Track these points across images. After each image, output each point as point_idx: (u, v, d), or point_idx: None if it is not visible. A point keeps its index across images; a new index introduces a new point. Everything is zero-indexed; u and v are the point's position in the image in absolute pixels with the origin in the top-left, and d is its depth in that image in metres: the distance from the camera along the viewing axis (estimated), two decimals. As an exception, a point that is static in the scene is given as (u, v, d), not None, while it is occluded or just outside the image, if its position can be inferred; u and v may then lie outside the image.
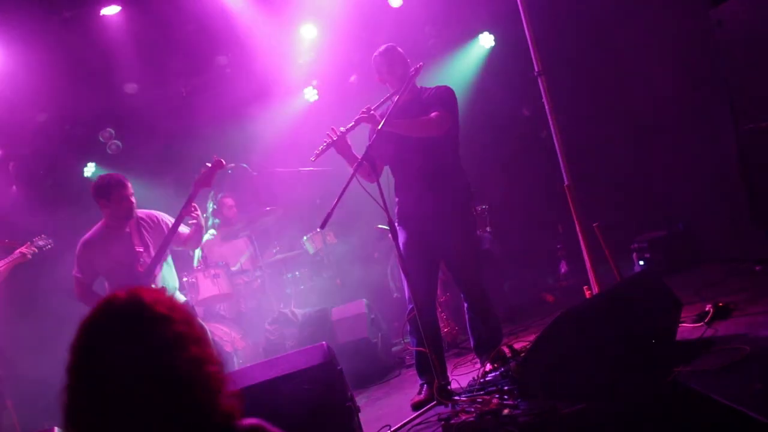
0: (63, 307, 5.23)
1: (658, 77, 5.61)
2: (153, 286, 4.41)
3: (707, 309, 4.00)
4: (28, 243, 5.32)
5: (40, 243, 5.36)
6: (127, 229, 4.51)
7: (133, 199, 4.51)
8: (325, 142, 4.14)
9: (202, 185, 4.59)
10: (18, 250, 5.27)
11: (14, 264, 5.23)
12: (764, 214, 3.82)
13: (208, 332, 4.12)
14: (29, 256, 5.27)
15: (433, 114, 4.14)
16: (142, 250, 4.47)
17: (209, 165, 4.63)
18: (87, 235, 4.58)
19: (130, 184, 4.52)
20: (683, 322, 3.90)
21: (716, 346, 3.49)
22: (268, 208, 6.53)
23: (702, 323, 3.91)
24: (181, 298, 4.71)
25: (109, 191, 4.43)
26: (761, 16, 3.45)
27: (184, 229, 4.68)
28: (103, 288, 4.63)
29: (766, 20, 3.38)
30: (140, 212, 4.62)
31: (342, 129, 4.13)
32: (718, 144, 4.99)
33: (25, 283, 6.13)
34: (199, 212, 4.66)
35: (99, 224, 4.59)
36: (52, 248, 5.43)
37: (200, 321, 1.53)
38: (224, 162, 4.69)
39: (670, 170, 5.89)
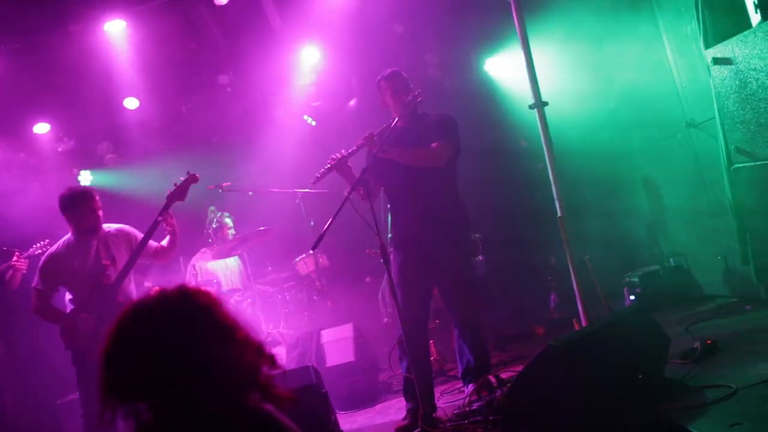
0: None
1: (653, 115, 5.66)
2: (120, 299, 4.39)
3: (695, 346, 4.00)
4: (18, 254, 5.29)
5: (36, 253, 5.34)
6: (94, 242, 4.48)
7: (100, 213, 4.50)
8: (327, 165, 4.16)
9: (176, 198, 4.62)
10: (8, 264, 5.26)
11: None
12: (754, 254, 3.83)
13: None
14: (23, 269, 5.25)
15: (433, 144, 4.17)
16: (108, 263, 4.44)
17: (183, 178, 4.66)
18: (52, 249, 4.57)
19: (97, 197, 4.50)
20: (671, 359, 3.89)
21: (703, 384, 3.48)
22: (261, 228, 6.53)
23: (689, 360, 3.90)
24: None
25: (74, 204, 4.42)
26: (754, 58, 3.49)
27: (153, 242, 4.67)
28: (63, 303, 4.56)
29: (759, 62, 3.43)
30: (109, 226, 4.61)
31: (343, 152, 4.17)
32: (713, 181, 5.03)
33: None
34: (174, 221, 4.63)
35: (65, 237, 4.57)
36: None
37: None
38: (198, 176, 4.72)
39: (663, 206, 5.92)
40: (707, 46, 3.89)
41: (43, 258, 4.56)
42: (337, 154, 4.19)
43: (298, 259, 6.98)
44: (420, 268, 4.25)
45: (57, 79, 6.67)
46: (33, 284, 4.52)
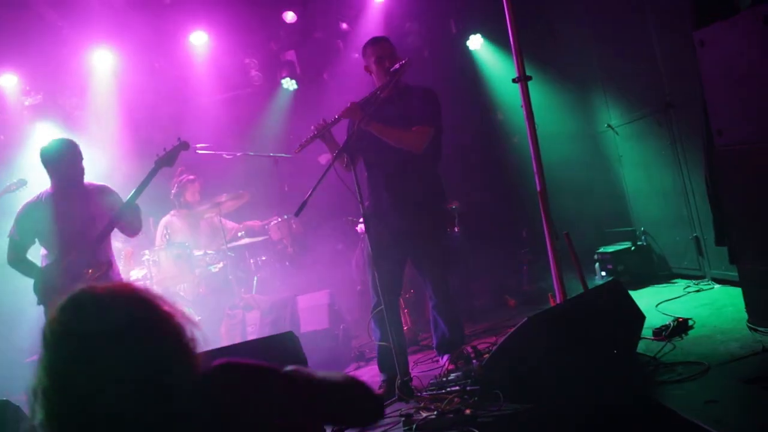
0: None
1: (637, 93, 5.68)
2: (100, 258, 4.36)
3: (668, 323, 4.08)
4: None
5: (12, 189, 5.27)
6: (75, 198, 4.40)
7: (83, 166, 4.43)
8: (311, 134, 4.11)
9: (164, 164, 4.54)
10: None
11: None
12: (730, 236, 3.90)
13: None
14: None
15: (414, 128, 4.15)
16: (88, 220, 4.38)
17: (173, 145, 4.57)
18: (33, 198, 4.48)
19: (80, 150, 4.42)
20: (643, 336, 3.97)
21: (676, 360, 3.56)
22: (235, 192, 6.44)
23: (662, 337, 3.99)
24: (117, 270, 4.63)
25: (57, 156, 4.34)
26: (742, 42, 3.52)
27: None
28: (38, 257, 4.49)
29: (746, 46, 3.45)
30: (91, 183, 4.55)
31: (326, 121, 4.11)
32: (689, 162, 5.09)
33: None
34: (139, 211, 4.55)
35: (47, 189, 4.48)
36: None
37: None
38: (189, 143, 4.64)
39: (639, 183, 5.99)
40: (696, 27, 3.90)
41: (21, 207, 4.45)
42: (320, 123, 4.14)
43: (271, 224, 6.91)
44: (392, 239, 4.25)
45: (26, 31, 6.44)
46: (9, 233, 4.42)
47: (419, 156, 4.23)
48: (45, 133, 7.20)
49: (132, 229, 4.64)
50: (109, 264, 4.44)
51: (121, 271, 5.88)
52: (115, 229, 4.53)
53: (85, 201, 4.41)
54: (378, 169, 4.33)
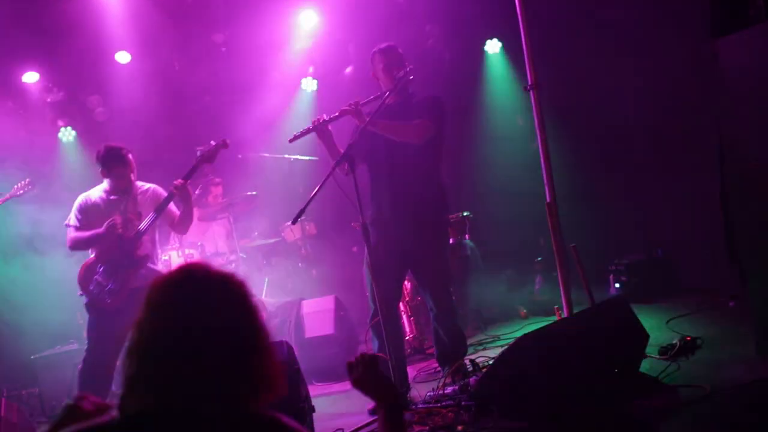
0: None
1: (652, 103, 5.55)
2: (140, 252, 4.46)
3: (674, 342, 3.96)
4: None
5: (19, 194, 5.46)
6: (125, 197, 4.54)
7: (132, 176, 4.55)
8: (307, 126, 4.09)
9: (205, 161, 4.62)
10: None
11: None
12: (740, 255, 3.77)
13: None
14: None
15: (416, 121, 4.09)
16: (134, 217, 4.49)
17: (214, 143, 4.65)
18: (88, 193, 4.60)
19: (131, 161, 4.53)
20: (649, 354, 3.86)
21: (678, 383, 3.45)
22: (249, 193, 6.44)
23: (667, 356, 3.87)
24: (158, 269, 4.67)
25: (109, 165, 4.47)
26: (760, 54, 3.39)
27: (175, 209, 4.65)
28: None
29: (759, 59, 3.32)
30: (141, 184, 4.66)
31: (324, 117, 4.07)
32: (705, 176, 4.94)
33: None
34: (189, 191, 4.58)
35: (100, 185, 4.60)
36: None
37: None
38: (228, 142, 4.69)
39: (656, 196, 5.85)
40: (715, 34, 3.74)
41: (79, 199, 4.58)
42: (318, 118, 4.11)
43: (285, 226, 6.90)
44: (392, 249, 4.19)
45: (49, 29, 6.52)
46: (66, 222, 4.56)
47: (422, 162, 4.17)
48: (66, 132, 7.35)
49: (177, 228, 4.71)
50: (146, 257, 4.53)
51: None
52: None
53: (132, 200, 4.54)
54: (382, 174, 4.27)
